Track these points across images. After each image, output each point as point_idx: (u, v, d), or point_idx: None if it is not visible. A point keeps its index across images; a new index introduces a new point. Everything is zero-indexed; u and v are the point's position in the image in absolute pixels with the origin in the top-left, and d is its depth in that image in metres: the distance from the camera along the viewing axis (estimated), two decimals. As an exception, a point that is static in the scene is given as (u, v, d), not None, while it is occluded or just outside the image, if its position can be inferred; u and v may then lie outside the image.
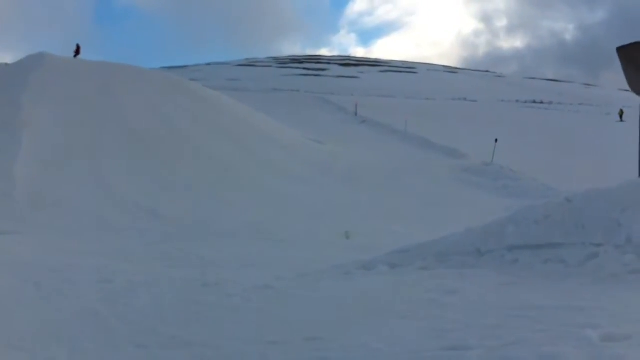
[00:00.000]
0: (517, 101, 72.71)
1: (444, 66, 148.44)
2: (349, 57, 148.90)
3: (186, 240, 14.30)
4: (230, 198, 19.81)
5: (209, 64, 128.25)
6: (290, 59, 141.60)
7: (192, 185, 20.49)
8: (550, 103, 72.54)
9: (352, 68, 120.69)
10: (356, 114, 45.22)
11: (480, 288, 6.50)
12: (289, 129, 32.87)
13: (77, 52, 34.46)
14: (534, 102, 73.20)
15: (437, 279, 6.91)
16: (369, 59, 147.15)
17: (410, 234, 15.44)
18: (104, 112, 25.30)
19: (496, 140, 27.32)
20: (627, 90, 13.59)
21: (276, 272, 8.62)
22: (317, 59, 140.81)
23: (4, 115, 22.97)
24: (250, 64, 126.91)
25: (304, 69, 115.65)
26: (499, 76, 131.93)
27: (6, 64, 31.12)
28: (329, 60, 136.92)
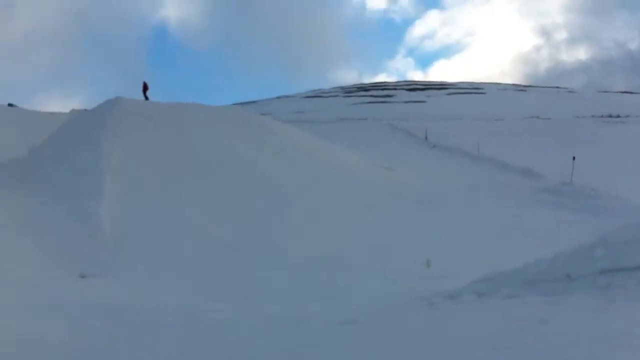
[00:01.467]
0: (593, 116, 70.33)
1: (512, 85, 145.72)
2: (415, 81, 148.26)
3: (265, 273, 14.41)
4: (305, 228, 19.89)
5: (278, 98, 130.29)
6: (356, 88, 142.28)
7: (266, 217, 20.70)
8: (627, 116, 69.80)
9: (419, 92, 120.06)
10: (426, 139, 44.86)
11: (573, 315, 6.23)
12: (358, 157, 32.89)
13: (145, 89, 35.10)
14: (610, 116, 70.60)
15: (526, 307, 6.67)
16: (435, 82, 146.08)
17: (491, 259, 15.06)
18: (180, 150, 25.99)
19: (574, 158, 26.48)
20: None
21: (359, 304, 8.54)
22: (383, 86, 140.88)
23: (86, 159, 23.92)
24: (317, 95, 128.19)
25: (371, 96, 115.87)
26: (570, 91, 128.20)
27: (85, 110, 32.42)
28: (395, 86, 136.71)
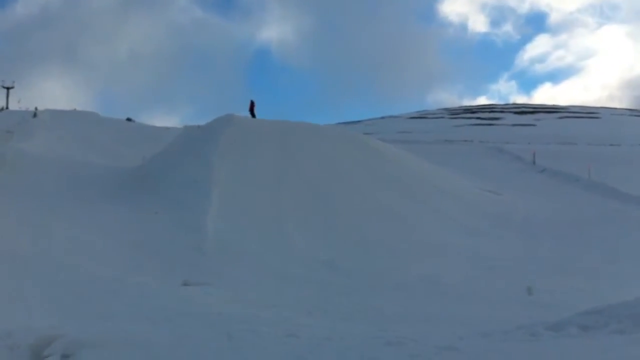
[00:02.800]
0: None
1: (628, 109, 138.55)
2: (523, 104, 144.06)
3: (363, 293, 14.41)
4: (405, 250, 19.74)
5: (382, 118, 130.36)
6: (462, 109, 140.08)
7: (367, 238, 20.72)
8: None
9: (528, 115, 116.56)
10: (534, 163, 43.39)
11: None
12: (463, 180, 32.31)
13: (252, 107, 35.83)
14: None
15: (636, 345, 6.28)
16: (546, 105, 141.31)
17: (598, 291, 14.38)
18: (284, 168, 26.57)
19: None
20: None
21: (457, 330, 8.37)
22: (490, 108, 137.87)
23: (196, 173, 24.92)
24: (422, 115, 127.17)
25: (477, 118, 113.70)
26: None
27: (198, 127, 33.76)
28: (503, 109, 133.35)
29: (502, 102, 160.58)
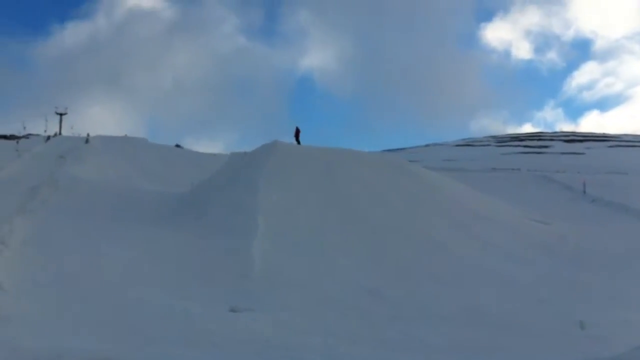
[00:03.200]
0: None
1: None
2: (573, 132, 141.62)
3: (408, 322, 14.25)
4: (450, 280, 19.48)
5: (427, 145, 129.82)
6: (510, 137, 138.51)
7: (411, 266, 20.53)
8: None
9: (577, 144, 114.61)
10: (584, 192, 42.50)
11: None
12: (510, 209, 31.85)
13: (297, 133, 36.25)
14: None
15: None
16: (595, 133, 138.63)
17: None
18: (329, 194, 26.66)
19: None
20: None
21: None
22: (539, 136, 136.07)
23: (243, 199, 25.21)
24: (468, 143, 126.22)
25: (525, 146, 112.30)
26: None
27: (245, 153, 34.27)
28: (552, 137, 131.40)
29: (549, 130, 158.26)
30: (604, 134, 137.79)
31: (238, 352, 8.40)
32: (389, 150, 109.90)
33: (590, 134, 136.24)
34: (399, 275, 19.45)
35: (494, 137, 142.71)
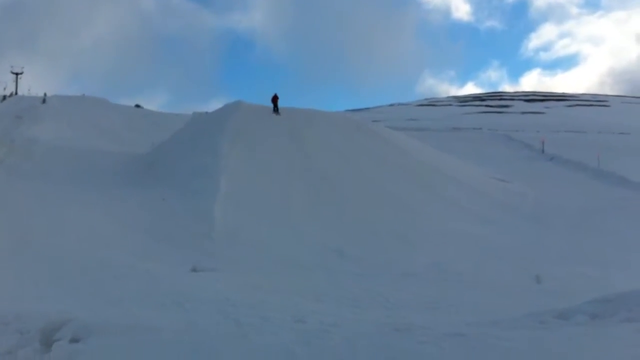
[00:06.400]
0: None
1: (638, 97, 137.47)
2: (533, 92, 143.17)
3: (371, 280, 14.39)
4: (413, 238, 19.73)
5: (390, 105, 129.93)
6: (471, 97, 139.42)
7: (375, 225, 20.70)
8: None
9: (538, 104, 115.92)
10: (543, 151, 43.19)
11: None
12: (471, 168, 32.22)
13: (275, 101, 32.96)
14: None
15: (646, 333, 6.26)
16: (556, 93, 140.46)
17: (607, 280, 14.34)
18: (293, 155, 26.56)
19: None
20: None
21: (465, 317, 8.37)
22: (500, 96, 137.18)
23: (205, 161, 24.95)
24: (431, 103, 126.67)
25: (486, 106, 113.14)
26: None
27: (206, 113, 33.71)
28: (513, 97, 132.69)
29: (510, 90, 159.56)
30: (563, 93, 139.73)
31: (200, 312, 8.39)
32: (352, 110, 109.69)
33: (550, 94, 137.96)
34: (364, 236, 19.59)
35: (455, 97, 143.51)
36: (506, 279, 15.07)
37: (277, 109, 32.06)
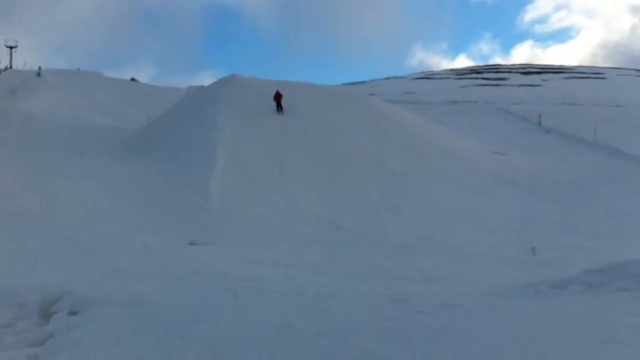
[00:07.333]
0: None
1: (635, 70, 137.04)
2: (530, 65, 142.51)
3: (367, 252, 14.47)
4: (409, 210, 19.78)
5: (387, 78, 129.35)
6: (468, 70, 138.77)
7: (371, 198, 20.75)
8: None
9: (535, 76, 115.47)
10: (539, 124, 43.12)
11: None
12: (468, 141, 32.17)
13: (279, 98, 28.80)
14: None
15: (639, 302, 6.31)
16: (553, 65, 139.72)
17: (602, 250, 14.45)
18: (289, 129, 26.48)
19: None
20: None
21: (461, 288, 8.42)
22: (497, 69, 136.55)
23: (201, 134, 24.89)
24: (428, 76, 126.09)
25: (483, 79, 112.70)
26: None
27: (202, 87, 33.52)
28: (510, 69, 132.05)
29: (507, 63, 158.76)
30: (560, 65, 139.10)
31: (198, 284, 8.41)
32: (349, 84, 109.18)
33: (547, 66, 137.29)
34: (359, 208, 19.65)
35: (453, 70, 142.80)
36: (502, 250, 15.16)
37: (281, 108, 28.70)
